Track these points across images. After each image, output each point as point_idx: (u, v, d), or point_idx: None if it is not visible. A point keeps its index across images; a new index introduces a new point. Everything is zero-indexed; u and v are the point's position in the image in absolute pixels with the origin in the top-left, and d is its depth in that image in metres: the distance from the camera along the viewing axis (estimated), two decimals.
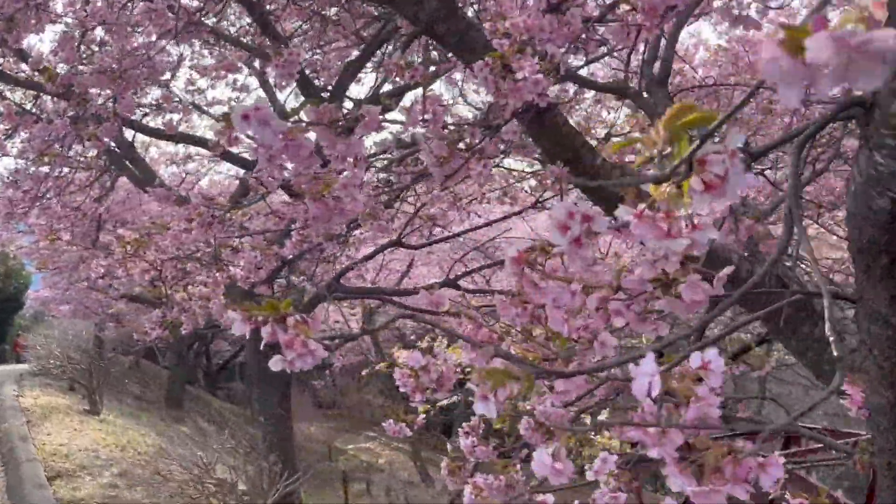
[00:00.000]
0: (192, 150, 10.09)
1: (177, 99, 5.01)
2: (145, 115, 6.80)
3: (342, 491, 12.20)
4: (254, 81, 9.19)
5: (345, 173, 1.58)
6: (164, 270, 4.36)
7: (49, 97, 6.92)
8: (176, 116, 5.46)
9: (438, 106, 1.47)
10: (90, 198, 7.06)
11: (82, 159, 6.96)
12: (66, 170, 5.52)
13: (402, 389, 1.76)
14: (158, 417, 12.58)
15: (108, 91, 5.26)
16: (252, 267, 3.05)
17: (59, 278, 14.07)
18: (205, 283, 4.45)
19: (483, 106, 6.72)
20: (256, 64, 8.20)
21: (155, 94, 7.16)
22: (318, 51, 5.40)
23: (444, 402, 7.79)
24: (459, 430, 3.02)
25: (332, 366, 19.35)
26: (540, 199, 5.52)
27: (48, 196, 5.42)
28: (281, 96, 8.87)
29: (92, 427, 8.39)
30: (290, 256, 3.41)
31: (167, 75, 7.68)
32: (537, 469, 1.11)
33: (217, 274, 3.20)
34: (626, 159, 2.75)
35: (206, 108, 8.86)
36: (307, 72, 6.03)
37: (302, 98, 9.65)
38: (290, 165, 1.37)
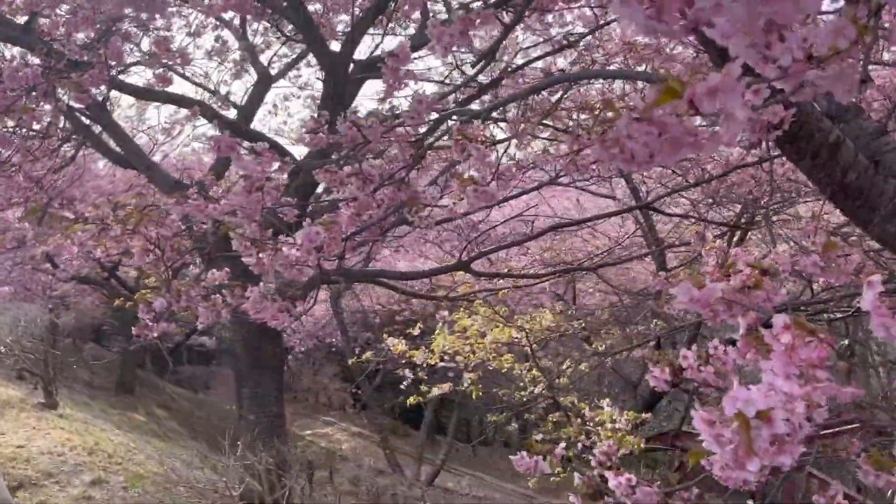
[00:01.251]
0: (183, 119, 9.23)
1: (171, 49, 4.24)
2: (120, 71, 5.97)
3: (307, 481, 11.46)
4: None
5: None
6: (165, 251, 3.66)
7: (4, 45, 6.05)
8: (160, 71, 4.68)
9: None
10: (51, 169, 6.22)
11: (37, 126, 6.13)
12: (34, 129, 4.70)
13: (716, 450, 1.08)
14: (110, 405, 11.68)
15: (90, 35, 4.48)
16: (312, 247, 2.37)
17: (2, 258, 12.99)
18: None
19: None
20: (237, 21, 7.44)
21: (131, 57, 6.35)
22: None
23: (438, 392, 6.95)
24: (591, 458, 2.36)
25: (293, 349, 18.73)
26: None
27: (12, 162, 4.60)
28: (264, 58, 8.07)
29: (51, 424, 7.49)
30: (347, 234, 2.75)
31: (142, 44, 6.86)
32: None
33: (262, 255, 2.51)
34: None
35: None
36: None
37: (290, 57, 8.85)
38: None
